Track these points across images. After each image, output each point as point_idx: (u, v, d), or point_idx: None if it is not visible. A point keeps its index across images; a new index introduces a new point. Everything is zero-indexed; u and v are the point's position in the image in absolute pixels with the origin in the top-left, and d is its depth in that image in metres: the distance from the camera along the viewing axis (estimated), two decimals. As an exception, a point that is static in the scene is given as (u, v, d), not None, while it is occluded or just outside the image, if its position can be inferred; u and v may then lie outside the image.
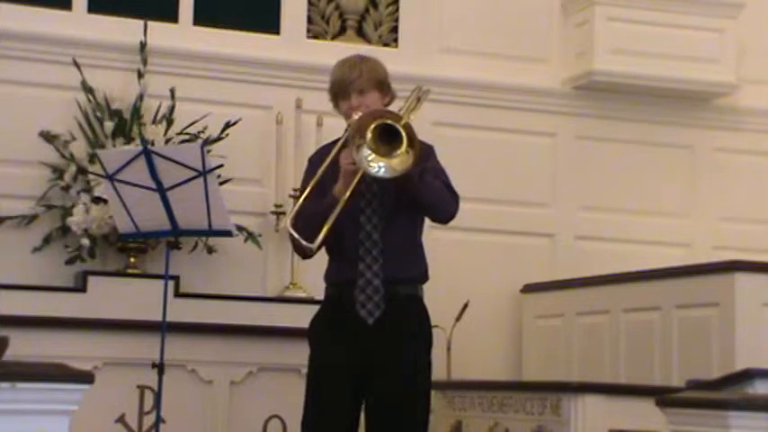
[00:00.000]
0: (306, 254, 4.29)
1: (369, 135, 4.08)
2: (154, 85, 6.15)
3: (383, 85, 4.37)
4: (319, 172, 4.24)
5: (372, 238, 4.27)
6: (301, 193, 4.36)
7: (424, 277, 4.41)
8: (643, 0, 6.92)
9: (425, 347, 4.36)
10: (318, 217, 4.16)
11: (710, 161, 7.29)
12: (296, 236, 4.15)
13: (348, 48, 5.64)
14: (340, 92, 4.35)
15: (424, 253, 4.42)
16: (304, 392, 4.33)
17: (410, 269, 4.34)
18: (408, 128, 4.06)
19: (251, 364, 5.83)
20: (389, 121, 4.08)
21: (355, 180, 4.17)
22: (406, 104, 4.34)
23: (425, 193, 4.23)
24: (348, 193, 4.17)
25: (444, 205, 4.31)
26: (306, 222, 4.17)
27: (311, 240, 4.14)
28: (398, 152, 4.07)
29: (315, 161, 4.43)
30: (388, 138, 4.08)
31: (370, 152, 4.08)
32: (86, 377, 3.08)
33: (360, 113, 4.22)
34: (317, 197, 4.22)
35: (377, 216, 4.29)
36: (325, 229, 4.14)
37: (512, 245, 6.87)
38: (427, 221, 4.44)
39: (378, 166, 4.09)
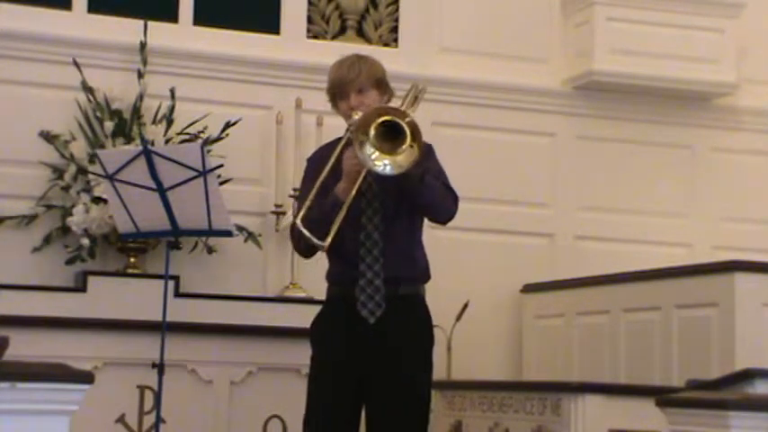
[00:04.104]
0: (310, 254, 4.33)
1: (372, 132, 4.08)
2: (154, 85, 6.15)
3: (382, 83, 4.37)
4: (326, 170, 4.23)
5: (373, 238, 4.28)
6: (301, 193, 4.37)
7: (426, 276, 4.42)
8: (643, 0, 6.92)
9: (427, 347, 4.37)
10: (325, 216, 4.17)
11: (710, 161, 7.29)
12: (308, 235, 4.15)
13: (348, 48, 5.63)
14: (339, 92, 4.34)
15: (424, 252, 4.43)
16: (306, 391, 4.34)
17: (411, 268, 4.35)
18: (412, 123, 4.06)
19: (251, 364, 5.83)
20: (393, 118, 4.08)
21: (359, 179, 4.18)
22: (404, 103, 4.34)
23: (426, 194, 4.23)
24: (354, 193, 4.18)
25: (444, 206, 4.31)
26: (312, 222, 4.18)
27: (321, 240, 4.15)
28: (403, 147, 4.07)
29: (314, 162, 4.44)
30: (391, 135, 4.07)
31: (373, 150, 4.08)
32: (86, 377, 3.08)
33: (360, 113, 4.22)
34: (319, 197, 4.22)
35: (378, 216, 4.29)
36: (335, 229, 4.16)
37: (512, 245, 6.87)
38: (426, 221, 4.45)
39: (383, 164, 4.09)
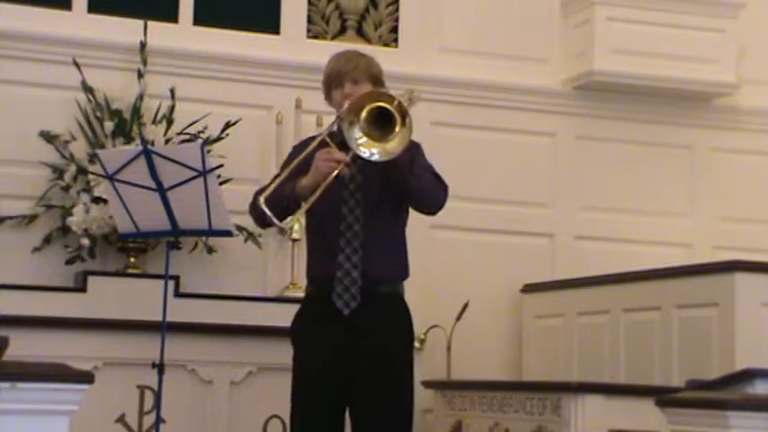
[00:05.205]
0: (266, 225, 4.29)
1: (363, 115, 4.07)
2: (154, 85, 6.16)
3: (377, 80, 4.38)
4: (300, 156, 4.25)
5: (354, 230, 4.26)
6: (277, 173, 4.38)
7: (405, 273, 4.40)
8: (643, 0, 6.92)
9: (408, 344, 4.36)
10: (285, 201, 4.18)
11: (710, 161, 7.29)
12: (269, 214, 4.14)
13: (348, 48, 5.62)
14: (334, 81, 4.36)
15: (406, 249, 4.40)
16: (290, 392, 4.35)
17: (390, 265, 4.32)
18: (401, 107, 4.04)
19: (251, 364, 5.82)
20: (385, 104, 4.06)
21: (323, 185, 4.13)
22: None
23: (414, 181, 4.21)
24: (317, 196, 4.13)
25: (433, 193, 4.28)
26: (274, 204, 4.17)
27: (281, 220, 4.14)
28: (393, 134, 4.05)
29: (298, 148, 4.46)
30: (381, 123, 4.06)
31: (361, 134, 4.07)
32: (86, 377, 3.08)
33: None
34: (289, 181, 4.23)
35: (360, 208, 4.28)
36: (296, 218, 4.15)
37: (512, 245, 6.87)
38: (421, 217, 4.43)
39: (370, 151, 4.07)
